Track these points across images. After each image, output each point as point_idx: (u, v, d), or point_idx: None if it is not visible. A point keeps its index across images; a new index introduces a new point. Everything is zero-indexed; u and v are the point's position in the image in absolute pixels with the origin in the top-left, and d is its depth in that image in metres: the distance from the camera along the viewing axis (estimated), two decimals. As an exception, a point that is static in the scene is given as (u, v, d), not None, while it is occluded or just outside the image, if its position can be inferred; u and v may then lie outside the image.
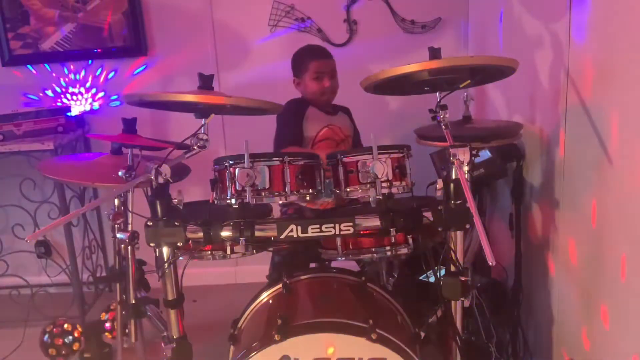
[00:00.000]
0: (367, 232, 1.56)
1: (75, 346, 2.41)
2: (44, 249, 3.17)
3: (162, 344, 1.55)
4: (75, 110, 3.08)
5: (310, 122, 2.27)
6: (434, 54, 1.42)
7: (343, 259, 1.66)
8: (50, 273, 3.09)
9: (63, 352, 2.40)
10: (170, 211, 1.44)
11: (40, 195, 2.93)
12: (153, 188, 1.43)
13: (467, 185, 1.33)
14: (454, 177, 1.40)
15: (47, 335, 2.40)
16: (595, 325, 1.53)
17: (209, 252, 1.63)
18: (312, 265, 2.03)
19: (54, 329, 2.39)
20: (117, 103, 3.12)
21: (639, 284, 1.29)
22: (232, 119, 3.00)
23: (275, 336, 1.41)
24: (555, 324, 1.83)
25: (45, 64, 3.10)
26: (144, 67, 3.09)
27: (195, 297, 2.79)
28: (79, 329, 2.42)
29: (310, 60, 2.29)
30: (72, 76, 3.12)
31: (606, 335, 1.47)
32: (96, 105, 3.14)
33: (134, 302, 1.78)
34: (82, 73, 3.11)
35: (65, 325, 2.41)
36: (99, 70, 3.11)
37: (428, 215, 1.46)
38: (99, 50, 3.05)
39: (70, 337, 2.40)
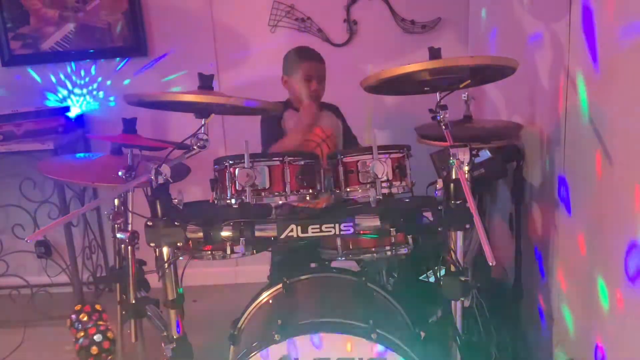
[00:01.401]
0: (367, 232, 1.56)
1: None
2: (44, 249, 3.17)
3: (162, 344, 1.55)
4: (75, 110, 3.08)
5: (289, 123, 2.28)
6: (434, 54, 1.42)
7: (343, 259, 1.66)
8: (50, 273, 3.09)
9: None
10: (170, 211, 1.44)
11: (40, 195, 2.94)
12: (153, 188, 1.42)
13: (467, 185, 1.33)
14: (454, 177, 1.40)
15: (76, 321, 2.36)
16: (595, 325, 1.53)
17: (209, 252, 1.62)
18: (312, 265, 2.03)
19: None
20: (113, 104, 3.12)
21: (638, 282, 1.29)
22: (232, 119, 3.00)
23: (275, 336, 1.41)
24: (555, 324, 1.83)
25: (46, 64, 3.10)
26: (144, 67, 3.09)
27: (195, 297, 2.79)
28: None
29: (303, 61, 2.30)
30: (72, 76, 3.12)
31: (605, 334, 1.47)
32: (96, 105, 3.15)
33: (134, 302, 1.78)
34: (82, 73, 3.12)
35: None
36: (99, 70, 3.11)
37: (428, 215, 1.46)
38: (99, 50, 3.05)
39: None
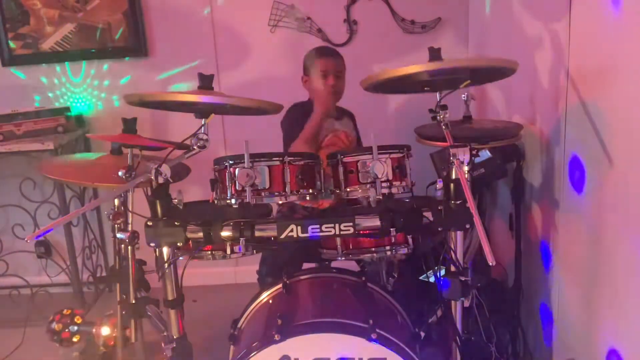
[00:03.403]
0: (367, 232, 1.56)
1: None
2: (44, 249, 3.17)
3: (162, 344, 1.55)
4: (75, 110, 3.08)
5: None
6: (434, 54, 1.42)
7: (343, 259, 1.66)
8: (50, 273, 3.09)
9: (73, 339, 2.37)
10: (170, 211, 1.44)
11: (40, 195, 2.94)
12: (153, 188, 1.42)
13: (467, 185, 1.33)
14: (454, 177, 1.40)
15: (54, 323, 2.38)
16: (594, 324, 1.53)
17: (209, 252, 1.63)
18: (310, 264, 2.03)
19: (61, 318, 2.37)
20: (113, 103, 3.13)
21: (638, 283, 1.29)
22: (232, 119, 3.00)
23: (275, 336, 1.41)
24: (555, 324, 1.83)
25: (46, 64, 3.10)
26: (144, 67, 3.09)
27: (195, 297, 2.79)
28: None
29: (318, 58, 2.33)
30: (71, 76, 3.12)
31: (605, 334, 1.47)
32: (96, 105, 3.14)
33: (134, 302, 1.78)
34: (82, 73, 3.11)
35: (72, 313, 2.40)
36: (99, 70, 3.11)
37: (428, 215, 1.46)
38: (99, 50, 3.05)
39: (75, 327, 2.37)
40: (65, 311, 2.38)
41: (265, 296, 1.75)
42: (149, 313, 1.83)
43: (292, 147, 2.15)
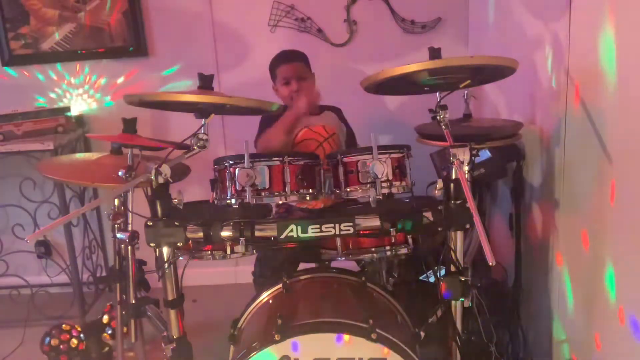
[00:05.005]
0: (367, 232, 1.56)
1: (78, 346, 2.39)
2: (44, 249, 3.17)
3: (162, 344, 1.55)
4: (75, 110, 3.08)
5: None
6: (434, 54, 1.42)
7: (343, 259, 1.66)
8: (50, 273, 3.09)
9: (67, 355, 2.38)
10: (170, 211, 1.44)
11: (40, 195, 2.94)
12: (153, 188, 1.43)
13: (467, 185, 1.33)
14: (454, 177, 1.40)
15: (48, 339, 2.38)
16: (594, 324, 1.53)
17: (209, 252, 1.63)
18: (310, 264, 2.03)
19: (54, 332, 2.38)
20: (113, 103, 3.13)
21: (637, 282, 1.29)
22: (232, 119, 3.00)
23: (275, 336, 1.41)
24: (555, 324, 1.83)
25: (46, 64, 3.10)
26: (143, 67, 3.09)
27: (195, 297, 2.79)
28: (78, 329, 2.41)
29: (277, 65, 2.31)
30: (71, 76, 3.12)
31: (605, 334, 1.47)
32: (96, 105, 3.14)
33: (134, 302, 1.78)
34: (82, 73, 3.11)
35: (63, 326, 2.40)
36: (99, 70, 3.11)
37: (428, 215, 1.46)
38: (99, 50, 3.05)
39: (73, 340, 2.38)
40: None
41: (265, 296, 1.75)
42: (149, 313, 1.83)
43: (261, 138, 2.13)
